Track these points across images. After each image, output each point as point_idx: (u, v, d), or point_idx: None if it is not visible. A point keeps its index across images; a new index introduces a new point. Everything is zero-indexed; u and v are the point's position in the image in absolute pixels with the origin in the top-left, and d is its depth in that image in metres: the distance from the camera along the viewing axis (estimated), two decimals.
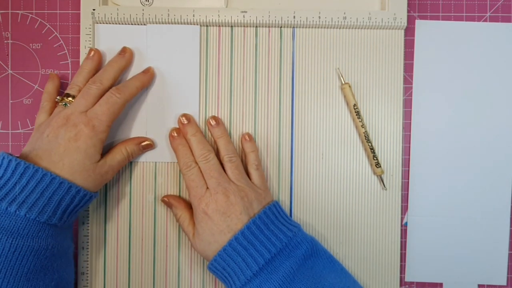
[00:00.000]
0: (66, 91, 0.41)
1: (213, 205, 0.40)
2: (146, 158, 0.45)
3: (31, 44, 0.46)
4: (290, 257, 0.38)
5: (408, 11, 0.46)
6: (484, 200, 0.46)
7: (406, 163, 0.46)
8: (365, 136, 0.45)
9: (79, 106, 0.40)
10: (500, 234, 0.46)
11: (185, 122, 0.43)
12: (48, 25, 0.46)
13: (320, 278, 0.38)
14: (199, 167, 0.42)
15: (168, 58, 0.45)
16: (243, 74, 0.46)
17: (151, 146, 0.44)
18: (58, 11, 0.46)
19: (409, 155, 0.46)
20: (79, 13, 0.45)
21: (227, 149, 0.42)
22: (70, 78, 0.46)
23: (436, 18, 0.47)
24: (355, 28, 0.46)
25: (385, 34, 0.46)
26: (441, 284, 0.46)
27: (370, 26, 0.45)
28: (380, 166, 0.45)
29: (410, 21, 0.46)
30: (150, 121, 0.45)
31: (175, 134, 0.43)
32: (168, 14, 0.44)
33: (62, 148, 0.38)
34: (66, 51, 0.46)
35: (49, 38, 0.46)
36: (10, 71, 0.46)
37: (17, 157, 0.37)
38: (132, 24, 0.45)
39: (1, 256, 0.35)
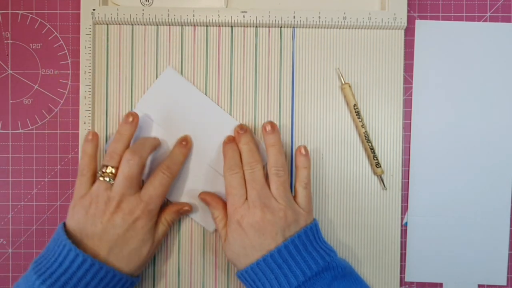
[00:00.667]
0: (105, 162, 0.39)
1: (249, 219, 0.38)
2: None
3: (31, 44, 0.46)
4: (323, 278, 0.37)
5: (408, 11, 0.46)
6: (484, 200, 0.46)
7: (406, 163, 0.46)
8: (365, 136, 0.45)
9: (127, 190, 0.38)
10: (500, 234, 0.46)
11: (241, 132, 0.42)
12: (48, 25, 0.46)
13: None
14: (243, 175, 0.40)
15: None
16: (243, 74, 0.46)
17: (189, 211, 0.44)
18: (58, 11, 0.46)
19: (409, 155, 0.46)
20: (79, 13, 0.45)
21: (277, 161, 0.40)
22: (69, 78, 0.46)
23: (436, 18, 0.47)
24: (355, 28, 0.46)
25: (385, 34, 0.46)
26: (441, 284, 0.46)
27: (370, 26, 0.45)
28: (380, 166, 0.45)
29: (410, 21, 0.46)
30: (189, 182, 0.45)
31: (227, 141, 0.43)
32: (168, 14, 0.44)
33: (121, 239, 0.38)
34: (66, 51, 0.46)
35: (49, 38, 0.46)
36: (10, 71, 0.46)
37: (69, 236, 0.37)
38: (132, 24, 0.45)
39: None
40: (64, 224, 0.39)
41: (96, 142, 0.42)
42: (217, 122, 0.45)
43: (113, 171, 0.39)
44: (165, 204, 0.44)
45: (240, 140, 0.42)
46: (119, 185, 0.38)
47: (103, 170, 0.39)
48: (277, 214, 0.38)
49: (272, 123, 0.42)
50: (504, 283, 0.46)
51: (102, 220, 0.38)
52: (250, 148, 0.41)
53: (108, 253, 0.38)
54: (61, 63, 0.46)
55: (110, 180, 0.39)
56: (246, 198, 0.39)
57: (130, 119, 0.41)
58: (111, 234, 0.38)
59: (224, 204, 0.42)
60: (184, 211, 0.43)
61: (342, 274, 0.38)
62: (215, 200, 0.42)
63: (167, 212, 0.42)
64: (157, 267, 0.45)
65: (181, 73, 0.46)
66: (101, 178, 0.39)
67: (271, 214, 0.38)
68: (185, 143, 0.43)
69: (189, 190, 0.44)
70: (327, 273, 0.37)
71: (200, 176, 0.45)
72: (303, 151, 0.42)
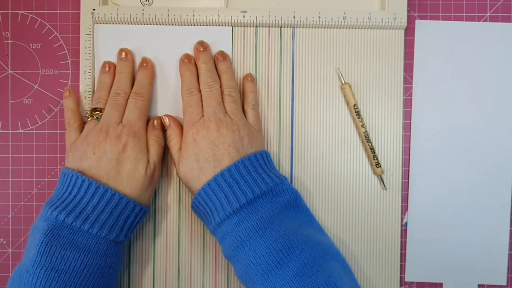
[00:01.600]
0: (93, 106, 0.42)
1: (204, 132, 0.40)
2: None
3: (31, 44, 0.46)
4: (273, 202, 0.38)
5: (408, 11, 0.46)
6: (484, 200, 0.46)
7: (406, 163, 0.46)
8: (365, 136, 0.45)
9: (113, 117, 0.41)
10: (500, 234, 0.46)
11: (201, 49, 0.43)
12: (48, 25, 0.46)
13: (298, 227, 0.38)
14: (200, 96, 0.42)
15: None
16: (243, 74, 0.46)
17: (166, 122, 0.44)
18: (58, 11, 0.46)
19: (409, 155, 0.46)
20: (79, 13, 0.45)
21: (229, 84, 0.42)
22: (69, 78, 0.46)
23: (436, 18, 0.47)
24: (355, 28, 0.46)
25: (385, 34, 0.46)
26: (441, 284, 0.46)
27: (370, 26, 0.45)
28: (380, 166, 0.45)
29: (410, 21, 0.46)
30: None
31: (186, 60, 0.43)
32: (168, 14, 0.44)
33: (114, 162, 0.39)
34: (66, 51, 0.46)
35: (49, 38, 0.46)
36: (10, 71, 0.46)
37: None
38: (132, 24, 0.45)
39: (73, 272, 0.36)
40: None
41: (74, 97, 0.44)
42: (177, 38, 0.45)
43: (100, 113, 0.42)
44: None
45: (199, 58, 0.43)
46: (106, 116, 0.41)
47: (91, 113, 0.42)
48: (230, 127, 0.40)
49: (223, 52, 0.44)
50: (504, 283, 0.46)
51: (94, 150, 0.39)
52: (209, 68, 0.43)
53: (107, 178, 0.39)
54: (61, 63, 0.46)
55: (97, 118, 0.41)
56: (202, 116, 0.41)
57: (107, 69, 0.43)
58: (105, 160, 0.39)
59: (181, 129, 0.43)
60: (162, 121, 0.44)
61: (296, 204, 0.39)
62: (174, 123, 0.43)
63: (148, 130, 0.43)
64: (157, 266, 0.45)
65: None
66: (89, 119, 0.42)
67: (225, 127, 0.40)
68: (145, 64, 0.44)
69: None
70: (279, 198, 0.38)
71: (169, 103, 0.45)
72: (249, 78, 0.44)
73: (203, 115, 0.41)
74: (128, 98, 0.42)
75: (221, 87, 0.42)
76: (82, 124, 0.43)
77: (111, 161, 0.39)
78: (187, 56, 0.44)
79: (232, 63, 0.45)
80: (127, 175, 0.39)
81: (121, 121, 0.41)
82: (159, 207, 0.45)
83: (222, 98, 0.42)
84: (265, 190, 0.38)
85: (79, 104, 0.44)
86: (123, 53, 0.44)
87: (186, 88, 0.42)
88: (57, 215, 0.37)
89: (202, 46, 0.44)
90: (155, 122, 0.43)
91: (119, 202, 0.38)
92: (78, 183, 0.38)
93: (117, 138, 0.40)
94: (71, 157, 0.40)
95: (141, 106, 0.42)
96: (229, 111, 0.41)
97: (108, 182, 0.39)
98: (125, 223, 0.39)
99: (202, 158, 0.39)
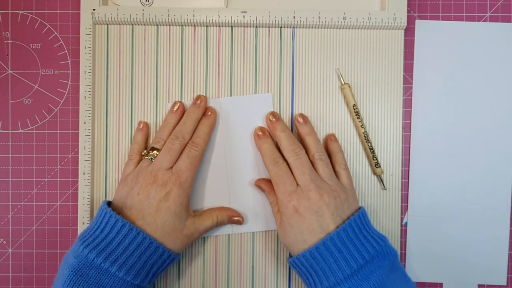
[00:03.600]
0: (152, 144, 0.42)
1: (305, 202, 0.39)
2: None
3: (31, 44, 0.46)
4: (380, 267, 0.37)
5: (408, 11, 0.46)
6: (484, 200, 0.46)
7: (406, 163, 0.46)
8: (365, 136, 0.45)
9: (165, 162, 0.41)
10: (500, 234, 0.46)
11: (273, 119, 0.43)
12: (48, 25, 0.46)
13: None
14: (287, 164, 0.41)
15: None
16: (243, 74, 0.46)
17: (240, 223, 0.44)
18: (58, 11, 0.46)
19: (409, 155, 0.46)
20: (79, 13, 0.45)
21: (317, 148, 0.42)
22: (69, 78, 0.46)
23: (436, 18, 0.47)
24: (355, 28, 0.46)
25: (385, 34, 0.46)
26: (441, 284, 0.46)
27: (370, 26, 0.45)
28: (380, 166, 0.45)
29: (410, 21, 0.46)
30: (232, 191, 0.45)
31: (261, 133, 0.43)
32: (168, 14, 0.44)
33: (154, 208, 0.39)
34: (66, 51, 0.46)
35: (49, 38, 0.46)
36: (10, 71, 0.46)
37: (112, 208, 0.40)
38: (132, 24, 0.45)
39: None
40: (109, 204, 0.41)
41: (145, 131, 0.44)
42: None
43: (157, 152, 0.42)
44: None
45: (276, 128, 0.43)
46: (159, 159, 0.41)
47: (149, 151, 0.42)
48: (331, 194, 0.39)
49: (303, 115, 0.44)
50: (504, 283, 0.46)
51: (139, 191, 0.40)
52: (288, 135, 0.42)
53: (142, 223, 0.39)
54: (61, 63, 0.46)
55: (151, 159, 0.41)
56: (298, 184, 0.40)
57: (175, 108, 0.43)
58: (146, 204, 0.39)
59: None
60: (235, 221, 0.44)
61: (396, 265, 0.39)
62: (269, 186, 0.43)
63: (221, 211, 0.43)
64: None
65: (181, 73, 0.46)
66: (145, 157, 0.42)
67: (327, 194, 0.39)
68: (209, 114, 0.44)
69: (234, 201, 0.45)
70: (385, 261, 0.38)
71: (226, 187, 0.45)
72: (333, 138, 0.44)
73: (298, 184, 0.40)
74: (185, 145, 0.42)
75: (307, 151, 0.42)
76: (141, 159, 0.43)
77: (151, 206, 0.39)
78: (261, 129, 0.44)
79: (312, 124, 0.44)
80: (161, 226, 0.39)
81: (172, 167, 0.41)
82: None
83: (313, 162, 0.41)
84: (373, 254, 0.37)
85: (148, 138, 0.45)
86: (199, 100, 0.44)
87: (270, 159, 0.41)
88: (88, 254, 0.36)
89: (274, 116, 0.43)
90: (235, 218, 0.44)
91: (149, 246, 0.38)
92: (111, 222, 0.38)
93: (163, 185, 0.39)
94: (120, 191, 0.41)
95: (193, 156, 0.41)
96: (324, 176, 0.40)
97: (143, 226, 0.39)
98: (152, 268, 0.39)
99: (307, 230, 0.38)
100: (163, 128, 0.43)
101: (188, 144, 0.42)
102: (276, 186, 0.41)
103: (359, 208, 0.41)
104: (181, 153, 0.41)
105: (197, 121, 0.43)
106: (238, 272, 0.45)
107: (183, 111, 0.44)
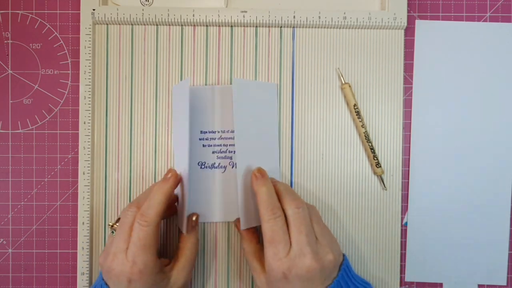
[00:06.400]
0: (118, 216, 0.40)
1: (297, 270, 0.35)
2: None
3: (31, 44, 0.46)
4: None
5: (408, 11, 0.46)
6: (484, 200, 0.46)
7: (406, 163, 0.46)
8: (365, 136, 0.45)
9: (119, 243, 0.36)
10: (500, 234, 0.46)
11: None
12: (48, 25, 0.46)
13: None
14: (284, 218, 0.36)
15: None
16: (243, 74, 0.46)
17: (197, 217, 0.42)
18: (58, 11, 0.46)
19: (409, 155, 0.46)
20: (79, 13, 0.45)
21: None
22: (69, 78, 0.46)
23: (436, 18, 0.47)
24: (355, 28, 0.46)
25: (385, 34, 0.46)
26: (441, 284, 0.46)
27: (370, 26, 0.45)
28: (380, 166, 0.45)
29: (410, 21, 0.46)
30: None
31: (259, 174, 0.38)
32: (168, 14, 0.44)
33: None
34: (66, 51, 0.46)
35: (49, 38, 0.46)
36: (10, 71, 0.46)
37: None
38: (132, 24, 0.45)
39: None
40: None
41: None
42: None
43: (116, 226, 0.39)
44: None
45: (276, 181, 0.40)
46: (113, 240, 0.37)
47: (114, 224, 0.39)
48: (325, 258, 0.36)
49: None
50: (504, 283, 0.46)
51: (109, 278, 0.37)
52: (286, 187, 0.39)
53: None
54: (61, 63, 0.46)
55: (113, 232, 0.39)
56: (291, 245, 0.35)
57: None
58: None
59: (254, 238, 0.40)
60: (194, 221, 0.41)
61: None
62: (249, 234, 0.40)
63: (185, 239, 0.40)
64: None
65: (181, 73, 0.46)
66: (110, 232, 0.39)
67: (321, 261, 0.35)
68: (168, 176, 0.38)
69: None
70: None
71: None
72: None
73: (291, 242, 0.35)
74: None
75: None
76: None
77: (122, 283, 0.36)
78: (259, 170, 0.39)
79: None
80: None
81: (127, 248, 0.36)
82: None
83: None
84: None
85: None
86: (169, 174, 0.39)
87: (267, 208, 0.36)
88: None
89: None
90: (194, 219, 0.41)
91: None
92: None
93: (122, 278, 0.36)
94: (103, 252, 0.38)
95: (143, 236, 0.35)
96: (318, 232, 0.37)
97: None
98: None
99: None
100: (139, 197, 0.39)
101: (137, 216, 0.36)
102: (267, 243, 0.36)
103: (343, 259, 0.39)
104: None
105: (162, 193, 0.38)
106: (239, 258, 0.45)
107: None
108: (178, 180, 0.39)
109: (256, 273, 0.38)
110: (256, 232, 0.42)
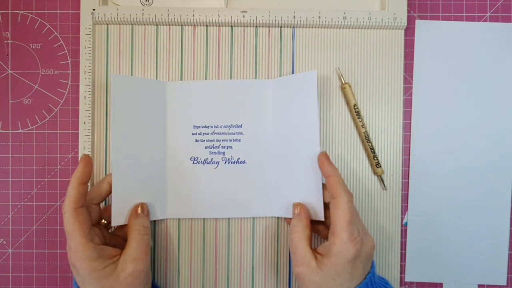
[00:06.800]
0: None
1: (366, 248, 0.38)
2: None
3: (31, 44, 0.46)
4: None
5: (408, 11, 0.46)
6: (484, 200, 0.46)
7: (406, 163, 0.46)
8: (365, 136, 0.45)
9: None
10: (500, 234, 0.46)
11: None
12: (48, 25, 0.46)
13: None
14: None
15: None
16: (243, 74, 0.46)
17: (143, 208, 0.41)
18: (58, 11, 0.46)
19: (409, 155, 0.46)
20: (79, 13, 0.45)
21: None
22: (69, 78, 0.46)
23: (436, 18, 0.47)
24: (355, 28, 0.46)
25: (385, 34, 0.46)
26: (441, 284, 0.46)
27: (370, 26, 0.45)
28: (380, 166, 0.45)
29: (410, 21, 0.46)
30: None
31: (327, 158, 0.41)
32: (168, 14, 0.44)
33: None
34: (66, 51, 0.46)
35: (49, 38, 0.46)
36: (10, 71, 0.46)
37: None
38: (132, 24, 0.45)
39: None
40: None
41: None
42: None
43: None
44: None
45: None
46: None
47: None
48: (374, 243, 0.39)
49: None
50: (504, 283, 0.46)
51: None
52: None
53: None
54: (61, 63, 0.46)
55: None
56: None
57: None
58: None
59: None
60: (142, 208, 0.41)
61: None
62: (308, 217, 0.41)
63: (132, 227, 0.40)
64: (157, 266, 0.45)
65: (181, 73, 0.46)
66: None
67: (374, 243, 0.39)
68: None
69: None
70: None
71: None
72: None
73: None
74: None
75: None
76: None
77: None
78: (326, 153, 0.41)
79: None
80: None
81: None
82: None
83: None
84: None
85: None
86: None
87: (347, 190, 0.39)
88: None
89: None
90: (139, 210, 0.41)
91: None
92: None
93: (69, 261, 0.37)
94: None
95: (65, 223, 0.37)
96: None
97: None
98: None
99: (355, 277, 0.37)
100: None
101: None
102: (347, 223, 0.37)
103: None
104: None
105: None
106: (239, 258, 0.45)
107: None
108: (88, 163, 0.38)
109: (306, 260, 0.38)
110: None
